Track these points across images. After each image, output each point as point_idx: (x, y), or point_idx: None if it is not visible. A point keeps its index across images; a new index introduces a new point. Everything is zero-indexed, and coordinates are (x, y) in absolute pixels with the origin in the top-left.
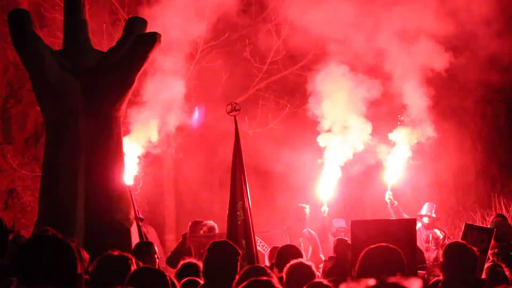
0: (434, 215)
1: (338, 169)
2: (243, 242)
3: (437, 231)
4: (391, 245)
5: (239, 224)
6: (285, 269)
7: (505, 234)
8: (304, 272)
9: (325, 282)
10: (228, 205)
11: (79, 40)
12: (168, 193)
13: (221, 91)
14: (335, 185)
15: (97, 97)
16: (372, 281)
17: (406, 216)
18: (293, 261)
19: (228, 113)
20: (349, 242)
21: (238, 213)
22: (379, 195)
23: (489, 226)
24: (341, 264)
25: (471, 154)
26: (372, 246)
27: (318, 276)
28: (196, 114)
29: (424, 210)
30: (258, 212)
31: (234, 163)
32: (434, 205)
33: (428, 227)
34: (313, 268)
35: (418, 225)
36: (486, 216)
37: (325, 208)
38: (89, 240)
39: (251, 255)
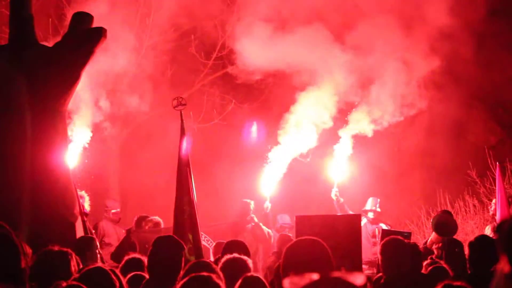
0: (379, 210)
1: (284, 164)
2: (190, 236)
3: (383, 225)
4: (316, 238)
5: (185, 218)
6: (219, 264)
7: (448, 229)
8: (239, 266)
9: (257, 275)
10: (174, 200)
11: (25, 35)
12: (113, 188)
13: (166, 86)
14: (278, 180)
15: (43, 92)
16: (315, 276)
17: (351, 212)
18: (227, 256)
19: (174, 107)
20: (292, 238)
21: (184, 207)
22: (326, 191)
23: (431, 220)
24: None
25: (416, 149)
26: (295, 240)
27: (251, 269)
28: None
29: (369, 205)
30: (203, 207)
31: (180, 158)
32: (378, 200)
33: (373, 221)
34: (248, 262)
35: (364, 220)
36: (431, 212)
37: (267, 204)
38: (33, 235)
39: (198, 249)
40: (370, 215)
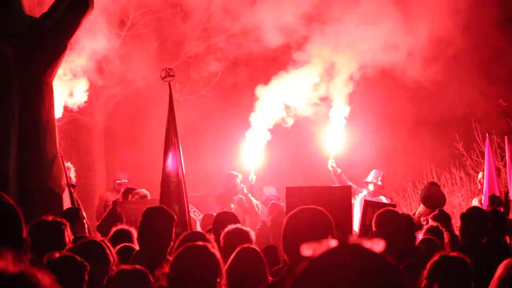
0: (380, 183)
1: (266, 133)
2: (176, 207)
3: (383, 198)
4: (317, 207)
5: (172, 190)
6: (222, 234)
7: (437, 201)
8: (242, 237)
9: (253, 246)
10: (161, 171)
11: (11, 6)
12: (99, 160)
13: (152, 58)
14: (262, 151)
15: (29, 64)
16: (334, 242)
17: (350, 183)
18: (230, 226)
19: (163, 78)
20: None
21: (171, 179)
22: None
23: (419, 193)
24: (276, 228)
25: (401, 121)
26: (296, 210)
27: (253, 241)
28: None
29: (370, 177)
30: (189, 177)
31: (168, 129)
32: (381, 173)
33: (373, 194)
34: (251, 234)
35: (364, 192)
36: (417, 184)
37: (252, 177)
38: (20, 206)
39: (184, 221)
40: (371, 187)
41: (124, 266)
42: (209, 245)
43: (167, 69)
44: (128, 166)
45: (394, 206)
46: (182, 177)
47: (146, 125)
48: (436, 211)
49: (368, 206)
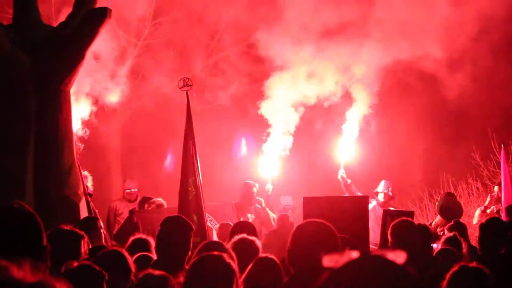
0: (390, 193)
1: (285, 144)
2: (194, 217)
3: (392, 209)
4: (323, 221)
5: (190, 199)
6: (229, 245)
7: (453, 212)
8: (248, 247)
9: (270, 256)
10: (180, 181)
11: (29, 15)
12: (115, 168)
13: (169, 67)
14: (279, 162)
15: (47, 72)
16: (355, 253)
17: (359, 194)
18: (236, 237)
19: (180, 88)
20: (292, 219)
21: (189, 188)
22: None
23: (436, 204)
24: (282, 238)
25: (418, 131)
26: (304, 222)
27: (259, 250)
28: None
29: (381, 187)
30: (206, 187)
31: (186, 138)
32: (391, 183)
33: (383, 204)
34: (257, 243)
35: (373, 203)
36: (434, 194)
37: (269, 187)
38: (37, 214)
39: (203, 230)
40: (381, 197)
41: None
42: (225, 255)
43: (185, 78)
44: (144, 173)
45: (412, 213)
46: (200, 187)
47: (162, 132)
48: (452, 222)
49: (387, 215)
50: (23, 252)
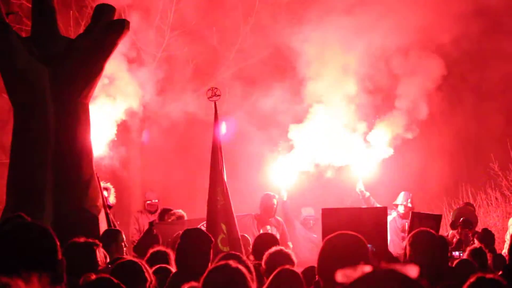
0: (410, 205)
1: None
2: (223, 226)
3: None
4: (353, 233)
5: (218, 209)
6: (264, 257)
7: (470, 221)
8: (284, 259)
9: (293, 269)
10: (208, 190)
11: (47, 27)
12: (135, 180)
13: (188, 78)
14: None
15: (66, 84)
16: (368, 268)
17: (378, 205)
18: (273, 249)
19: (209, 98)
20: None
21: (218, 198)
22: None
23: (451, 213)
24: None
25: (438, 141)
26: (334, 234)
27: (295, 263)
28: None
29: (400, 199)
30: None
31: (214, 148)
32: (411, 195)
33: (403, 216)
34: (292, 256)
35: (393, 214)
36: (452, 204)
37: (283, 193)
38: (56, 227)
39: (234, 240)
40: (401, 209)
41: None
42: (241, 267)
43: (213, 88)
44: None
45: (440, 217)
46: (228, 196)
47: (183, 144)
48: (481, 231)
49: (415, 217)
50: (37, 267)
